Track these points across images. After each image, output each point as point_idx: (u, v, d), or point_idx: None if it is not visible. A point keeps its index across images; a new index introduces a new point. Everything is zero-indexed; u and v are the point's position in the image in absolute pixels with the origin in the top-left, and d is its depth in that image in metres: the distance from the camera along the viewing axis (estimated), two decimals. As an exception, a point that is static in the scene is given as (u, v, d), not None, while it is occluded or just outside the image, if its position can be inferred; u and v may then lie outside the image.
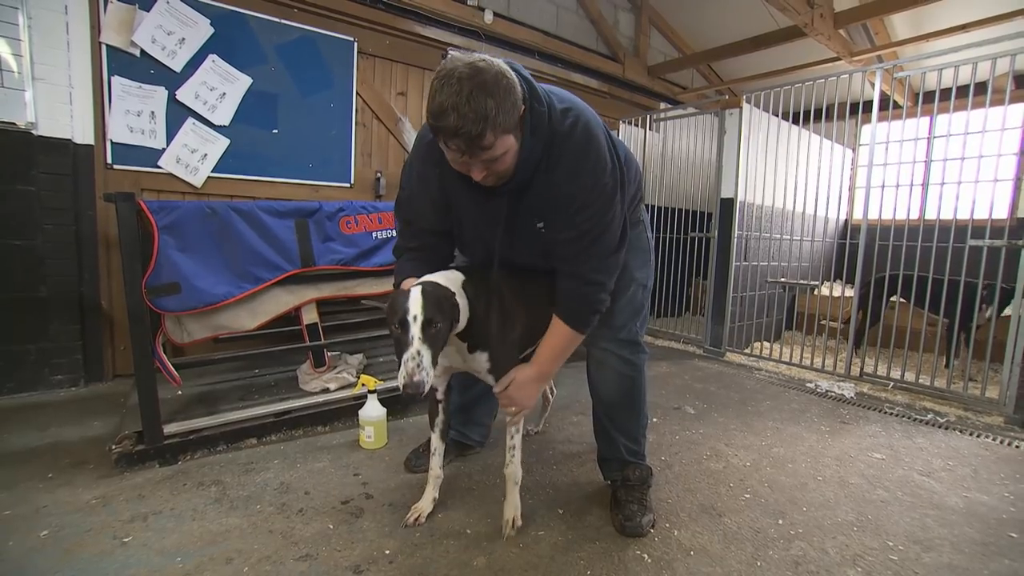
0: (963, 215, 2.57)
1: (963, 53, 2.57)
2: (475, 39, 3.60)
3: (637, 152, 4.26)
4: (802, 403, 2.63)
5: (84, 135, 2.37)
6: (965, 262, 2.57)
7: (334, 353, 2.48)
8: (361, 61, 3.13)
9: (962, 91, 2.56)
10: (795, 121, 3.46)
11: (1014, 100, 2.87)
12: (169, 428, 1.75)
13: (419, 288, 1.14)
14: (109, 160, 2.46)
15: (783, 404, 2.60)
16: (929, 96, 4.44)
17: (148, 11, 2.46)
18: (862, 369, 3.01)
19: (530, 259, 1.38)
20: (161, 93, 2.54)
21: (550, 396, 2.06)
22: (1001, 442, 2.18)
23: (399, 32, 3.26)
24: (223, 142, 2.71)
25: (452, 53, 3.36)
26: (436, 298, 1.14)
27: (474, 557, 1.28)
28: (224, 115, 2.70)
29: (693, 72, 5.38)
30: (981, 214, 2.53)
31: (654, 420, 2.25)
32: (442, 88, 1.02)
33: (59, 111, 2.29)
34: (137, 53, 2.46)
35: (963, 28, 3.57)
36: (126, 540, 1.30)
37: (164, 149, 2.57)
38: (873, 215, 2.93)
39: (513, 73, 1.10)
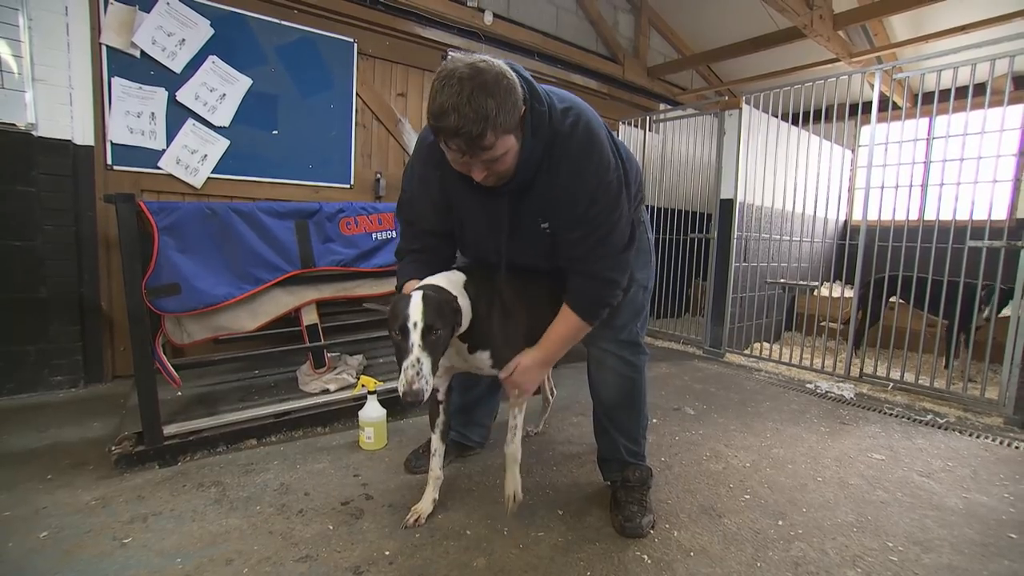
0: (962, 216, 2.57)
1: (962, 54, 2.58)
2: (475, 40, 3.60)
3: (637, 153, 4.26)
4: (802, 404, 2.63)
5: (84, 136, 2.37)
6: (964, 263, 2.57)
7: (334, 354, 2.48)
8: (361, 62, 3.13)
9: (961, 92, 2.56)
10: (794, 122, 3.47)
11: (1013, 101, 2.88)
12: (169, 429, 1.75)
13: (420, 294, 1.13)
14: (109, 161, 2.46)
15: (783, 405, 2.60)
16: (928, 97, 4.45)
17: (148, 12, 2.47)
18: (862, 370, 3.01)
19: (533, 259, 1.38)
20: (161, 94, 2.54)
21: (550, 397, 2.06)
22: (1001, 443, 2.18)
23: (399, 33, 3.27)
24: (223, 143, 2.71)
25: (452, 54, 3.37)
26: (437, 304, 1.14)
27: (474, 558, 1.28)
28: (224, 116, 2.70)
29: (692, 73, 5.39)
30: (980, 215, 2.53)
31: (654, 421, 2.25)
32: (443, 89, 1.03)
33: (59, 112, 2.29)
34: (137, 54, 2.47)
35: (962, 29, 3.58)
36: (126, 541, 1.30)
37: (164, 150, 2.57)
38: (872, 216, 2.94)
39: (513, 74, 1.10)
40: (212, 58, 2.64)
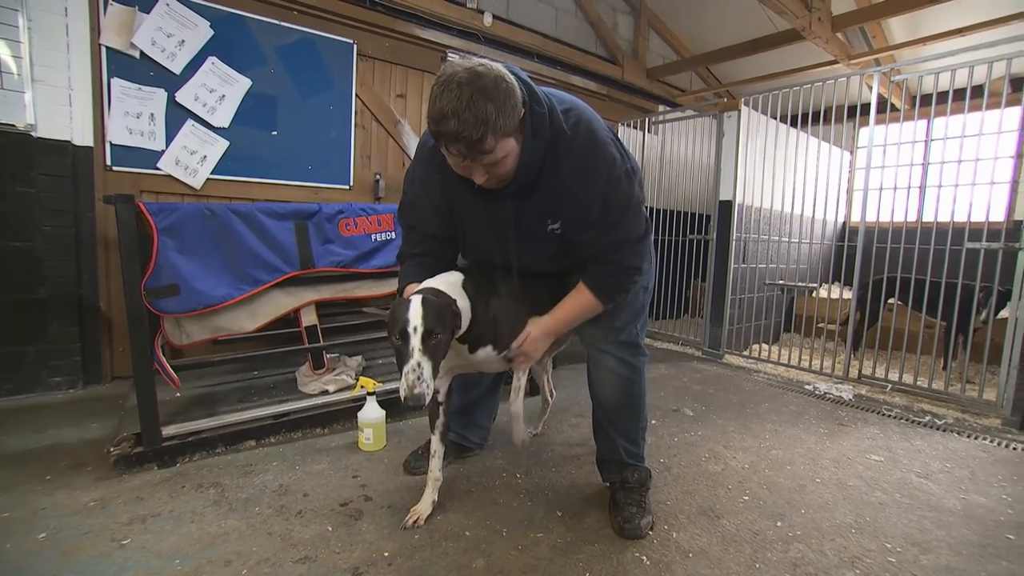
0: (960, 217, 2.58)
1: (960, 56, 2.59)
2: (474, 42, 3.61)
3: (636, 154, 4.26)
4: (800, 405, 2.63)
5: (83, 137, 2.37)
6: (962, 264, 2.58)
7: (333, 355, 2.48)
8: (360, 63, 3.13)
9: (959, 94, 2.57)
10: (793, 124, 3.48)
11: (1010, 103, 2.89)
12: (168, 430, 1.75)
13: (419, 298, 1.14)
14: (108, 162, 2.46)
15: (781, 406, 2.60)
16: (926, 99, 4.48)
17: (148, 13, 2.47)
18: (860, 371, 3.02)
19: (537, 261, 1.39)
20: (160, 95, 2.54)
21: (549, 399, 2.06)
22: (998, 444, 2.19)
23: (398, 34, 3.27)
24: (222, 144, 2.71)
25: (451, 57, 3.38)
26: (437, 308, 1.14)
27: (473, 559, 1.28)
28: (223, 117, 2.70)
29: (692, 75, 5.40)
30: (978, 216, 2.54)
31: (653, 422, 2.26)
32: (442, 94, 1.03)
33: (58, 113, 2.29)
34: (137, 55, 2.47)
35: (960, 32, 3.59)
36: (124, 542, 1.30)
37: (163, 151, 2.57)
38: (871, 217, 2.94)
39: (512, 77, 1.11)
40: (212, 59, 2.64)
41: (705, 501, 1.61)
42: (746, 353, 3.62)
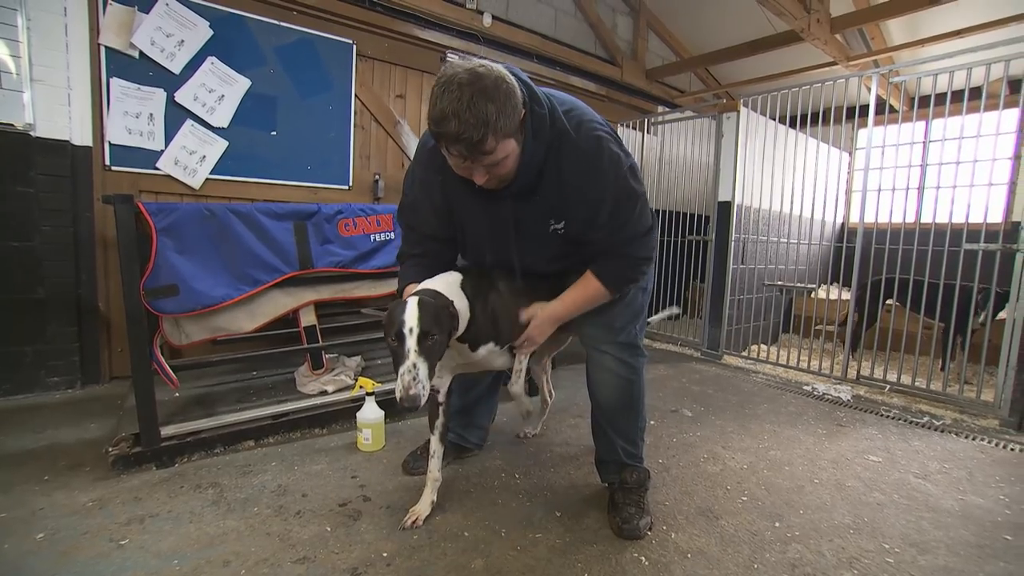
0: (958, 219, 2.58)
1: (958, 58, 2.59)
2: (474, 42, 3.61)
3: (635, 155, 4.27)
4: (799, 406, 2.64)
5: (82, 136, 2.37)
6: (960, 266, 2.58)
7: (332, 355, 2.48)
8: (360, 64, 3.13)
9: (957, 96, 2.58)
10: (792, 125, 3.49)
11: (1008, 105, 2.89)
12: (166, 430, 1.75)
13: (416, 300, 1.14)
14: (107, 162, 2.46)
15: (780, 407, 2.60)
16: (924, 100, 4.49)
17: (147, 13, 2.47)
18: (859, 372, 3.02)
19: (538, 261, 1.40)
20: (160, 95, 2.54)
21: (548, 399, 2.07)
22: (996, 445, 2.19)
23: (398, 35, 3.27)
24: (222, 144, 2.71)
25: (451, 58, 3.38)
26: (434, 310, 1.15)
27: (472, 560, 1.28)
28: (223, 117, 2.70)
29: (691, 76, 5.40)
30: (976, 218, 2.54)
31: (652, 423, 2.26)
32: (443, 95, 1.03)
33: (57, 112, 2.29)
34: (136, 55, 2.46)
35: (958, 34, 3.60)
36: (123, 543, 1.30)
37: (162, 151, 2.57)
38: (869, 219, 2.95)
39: (512, 77, 1.11)
40: (211, 59, 2.64)
41: (704, 502, 1.62)
42: (745, 354, 3.62)
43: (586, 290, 1.37)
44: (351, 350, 2.63)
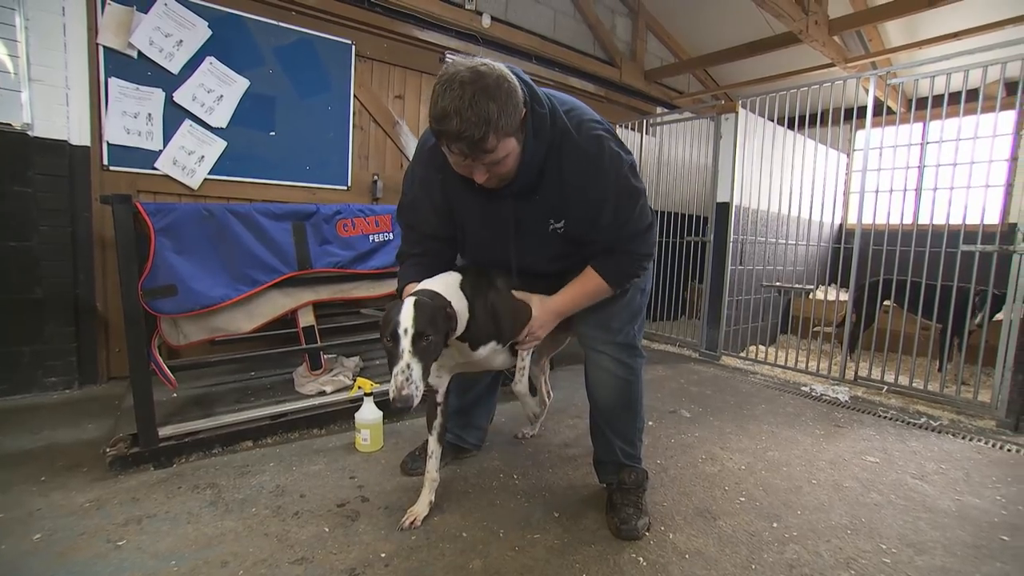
0: (955, 220, 2.59)
1: (955, 60, 2.61)
2: (473, 43, 3.61)
3: (634, 156, 4.28)
4: (797, 407, 2.64)
5: (80, 136, 2.36)
6: (957, 267, 2.59)
7: (330, 356, 2.48)
8: (359, 64, 3.13)
9: (954, 98, 2.59)
10: (790, 126, 3.50)
11: (1004, 107, 2.91)
12: (164, 431, 1.75)
13: (412, 300, 1.15)
14: (105, 162, 2.46)
15: (778, 408, 2.61)
16: (922, 102, 4.50)
17: (146, 13, 2.46)
18: (856, 373, 3.03)
19: (539, 260, 1.40)
20: (158, 95, 2.54)
21: (547, 400, 2.07)
22: (993, 445, 2.20)
23: (397, 35, 3.27)
24: (220, 144, 2.71)
25: (451, 58, 3.38)
26: (430, 311, 1.15)
27: (470, 560, 1.28)
28: (221, 117, 2.70)
29: (689, 77, 5.41)
30: (973, 219, 2.55)
31: (650, 423, 2.26)
32: (444, 93, 1.04)
33: (56, 112, 2.28)
34: (134, 55, 2.46)
35: (955, 36, 3.61)
36: (120, 543, 1.30)
37: (161, 151, 2.57)
38: (867, 220, 2.96)
39: (514, 77, 1.12)
40: (210, 59, 2.64)
41: (702, 502, 1.62)
42: (743, 355, 3.63)
43: (586, 285, 1.38)
44: (349, 350, 2.63)
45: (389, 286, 2.37)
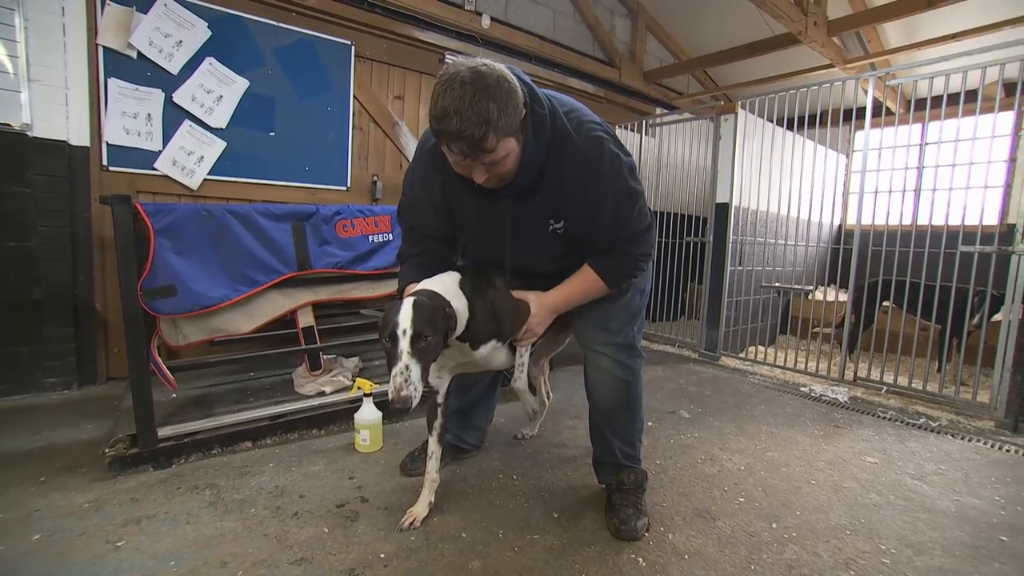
0: (954, 221, 2.60)
1: (954, 62, 2.61)
2: (472, 44, 3.62)
3: (633, 157, 4.28)
4: (796, 407, 2.64)
5: (80, 137, 2.36)
6: (956, 268, 2.59)
7: (330, 356, 2.48)
8: (358, 65, 3.13)
9: (953, 99, 2.60)
10: (790, 127, 3.50)
11: (1003, 108, 2.91)
12: (163, 431, 1.75)
13: (411, 301, 1.15)
14: (105, 162, 2.45)
15: (777, 408, 2.61)
16: (921, 103, 4.50)
17: (145, 13, 2.46)
18: (855, 373, 3.03)
19: (539, 260, 1.40)
20: (158, 95, 2.53)
21: (546, 400, 2.07)
22: (992, 446, 2.20)
23: (397, 36, 3.28)
24: (220, 145, 2.71)
25: (451, 58, 3.38)
26: (429, 311, 1.15)
27: (469, 561, 1.28)
28: (221, 118, 2.70)
29: (689, 78, 5.42)
30: (972, 220, 2.56)
31: (649, 424, 2.26)
32: (445, 92, 1.04)
33: (55, 112, 2.28)
34: (134, 55, 2.46)
35: (954, 37, 3.62)
36: (119, 544, 1.29)
37: (160, 151, 2.56)
38: (866, 220, 2.96)
39: (514, 77, 1.12)
40: (209, 60, 2.64)
41: (701, 503, 1.62)
42: (742, 355, 3.63)
43: (583, 283, 1.38)
44: (349, 351, 2.63)
45: (389, 287, 2.37)
